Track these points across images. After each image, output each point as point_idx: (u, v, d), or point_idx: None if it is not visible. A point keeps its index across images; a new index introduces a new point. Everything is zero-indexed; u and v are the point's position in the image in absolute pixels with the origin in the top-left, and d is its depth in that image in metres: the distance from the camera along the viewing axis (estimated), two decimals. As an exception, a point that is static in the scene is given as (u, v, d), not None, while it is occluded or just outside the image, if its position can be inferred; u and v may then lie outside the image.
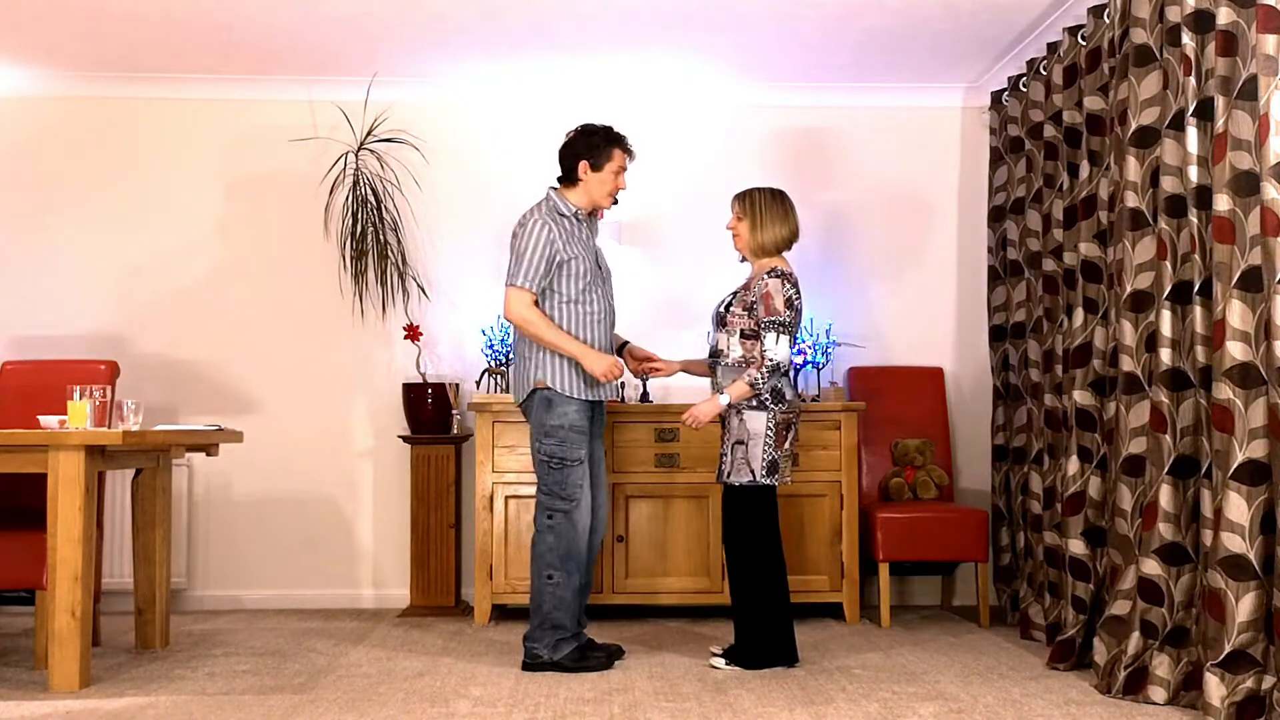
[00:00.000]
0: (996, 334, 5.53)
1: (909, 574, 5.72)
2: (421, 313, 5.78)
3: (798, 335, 4.28)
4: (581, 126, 4.37)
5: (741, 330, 4.30)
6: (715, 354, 4.38)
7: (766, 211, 4.34)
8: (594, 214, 4.44)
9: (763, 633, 4.27)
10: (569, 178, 4.35)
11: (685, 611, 5.43)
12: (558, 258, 4.24)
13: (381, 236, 5.66)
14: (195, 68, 5.66)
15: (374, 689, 3.98)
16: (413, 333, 5.56)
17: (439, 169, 5.81)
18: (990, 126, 5.70)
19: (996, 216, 5.55)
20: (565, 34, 5.18)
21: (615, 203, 4.43)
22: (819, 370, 5.58)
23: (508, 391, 5.51)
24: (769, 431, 4.23)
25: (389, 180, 5.77)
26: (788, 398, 4.29)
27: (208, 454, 4.74)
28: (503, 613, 5.45)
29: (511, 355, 4.39)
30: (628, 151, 4.37)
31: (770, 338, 4.20)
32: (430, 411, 5.48)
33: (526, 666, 4.28)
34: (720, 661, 4.32)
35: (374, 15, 4.96)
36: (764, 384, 4.21)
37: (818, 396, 5.54)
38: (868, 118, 5.93)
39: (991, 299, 5.57)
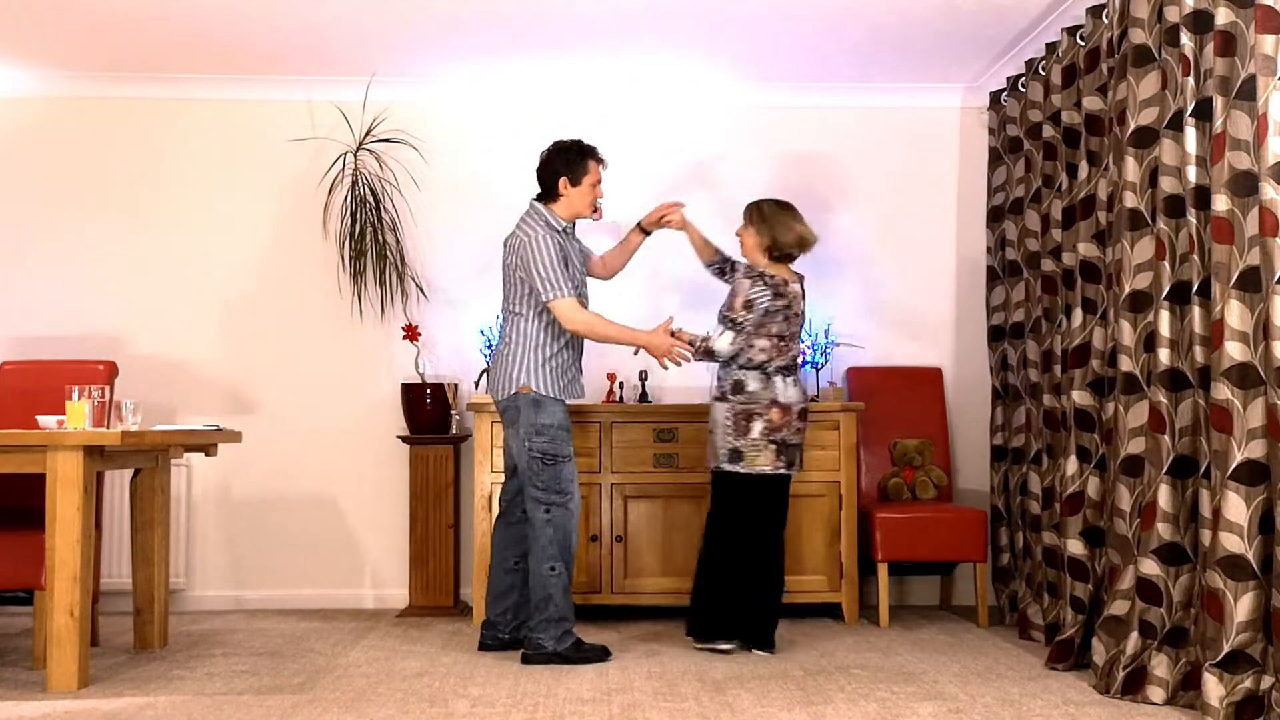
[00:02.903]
0: (995, 334, 5.53)
1: (908, 574, 5.72)
2: (420, 313, 5.78)
3: (787, 335, 4.54)
4: (554, 144, 4.55)
5: None
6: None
7: (770, 220, 4.55)
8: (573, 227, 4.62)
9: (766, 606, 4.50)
10: (550, 194, 4.51)
11: (684, 612, 5.42)
12: (567, 263, 4.43)
13: (380, 236, 5.66)
14: (194, 68, 5.66)
15: (373, 689, 3.98)
16: (411, 333, 5.56)
17: (438, 169, 5.81)
18: (989, 127, 5.70)
19: (995, 217, 5.55)
20: (564, 34, 5.18)
21: (595, 212, 4.59)
22: (818, 370, 5.58)
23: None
24: (727, 421, 4.48)
25: (388, 180, 5.77)
26: (749, 389, 4.48)
27: (206, 454, 4.74)
28: (501, 613, 5.45)
29: (496, 355, 4.54)
30: (601, 162, 4.55)
31: (717, 331, 4.50)
32: (429, 411, 5.48)
33: (528, 659, 4.36)
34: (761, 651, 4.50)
35: (373, 15, 4.96)
36: (697, 356, 4.49)
37: (817, 397, 5.54)
38: (867, 118, 5.93)
39: (990, 299, 5.57)
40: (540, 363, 4.42)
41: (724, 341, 4.46)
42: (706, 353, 4.48)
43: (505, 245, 4.52)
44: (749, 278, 4.47)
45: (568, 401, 4.49)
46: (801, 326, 4.62)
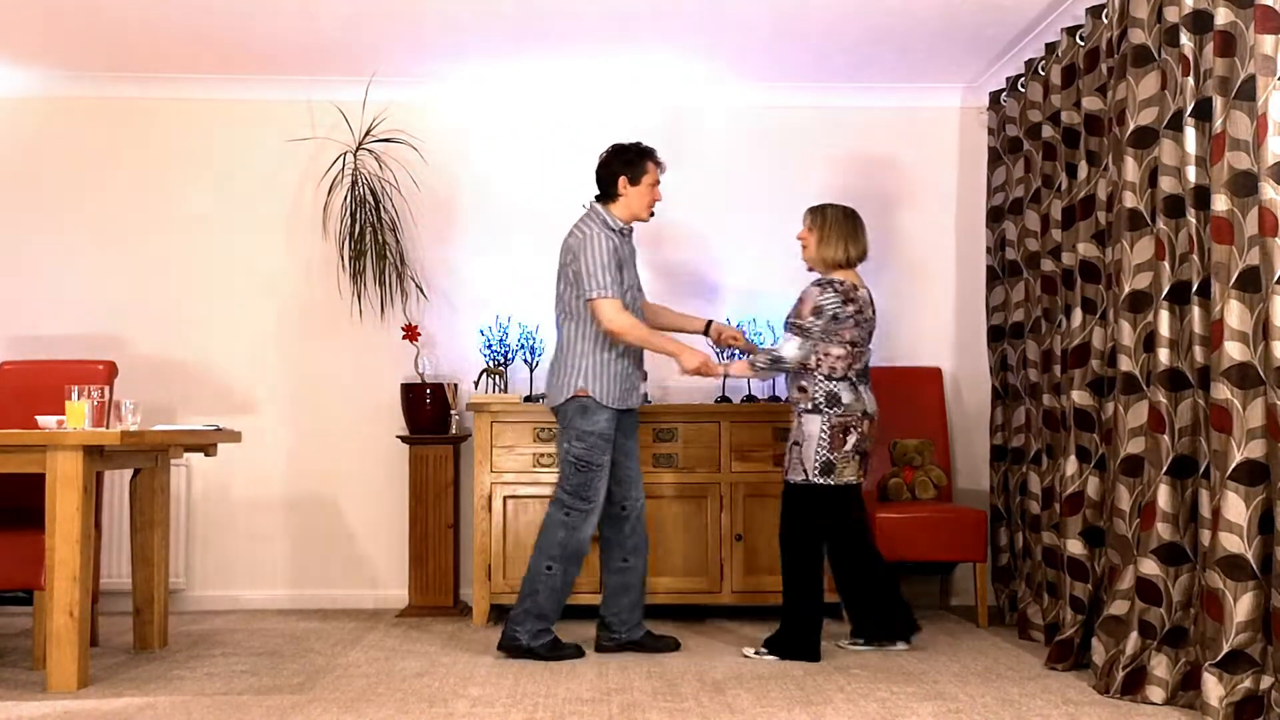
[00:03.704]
0: (995, 334, 5.53)
1: (907, 574, 5.72)
2: (420, 313, 5.79)
3: (860, 341, 4.52)
4: (614, 146, 4.61)
5: None
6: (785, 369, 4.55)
7: (835, 228, 4.55)
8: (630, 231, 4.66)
9: (797, 625, 4.45)
10: (608, 194, 4.56)
11: (683, 611, 5.43)
12: (620, 266, 4.47)
13: (380, 237, 5.66)
14: (194, 68, 5.66)
15: (372, 689, 3.98)
16: (411, 333, 5.56)
17: (437, 169, 5.81)
18: (989, 127, 5.70)
19: (995, 217, 5.55)
20: (564, 34, 5.18)
21: (652, 214, 4.64)
22: (817, 370, 5.58)
23: (507, 391, 5.53)
24: (823, 434, 4.39)
25: (387, 180, 5.77)
26: (844, 401, 4.43)
27: (206, 454, 4.73)
28: (501, 613, 5.44)
29: (552, 359, 4.58)
30: (658, 164, 4.61)
31: (785, 337, 4.46)
32: (429, 411, 5.48)
33: (502, 647, 4.46)
34: (749, 650, 4.52)
35: (373, 15, 4.96)
36: (762, 370, 4.49)
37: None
38: (866, 118, 5.92)
39: (990, 299, 5.57)
40: (599, 366, 4.45)
41: (791, 348, 4.41)
42: (774, 361, 4.43)
43: (562, 246, 4.56)
44: (817, 285, 4.45)
45: (623, 409, 4.50)
46: (872, 332, 4.58)
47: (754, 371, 4.52)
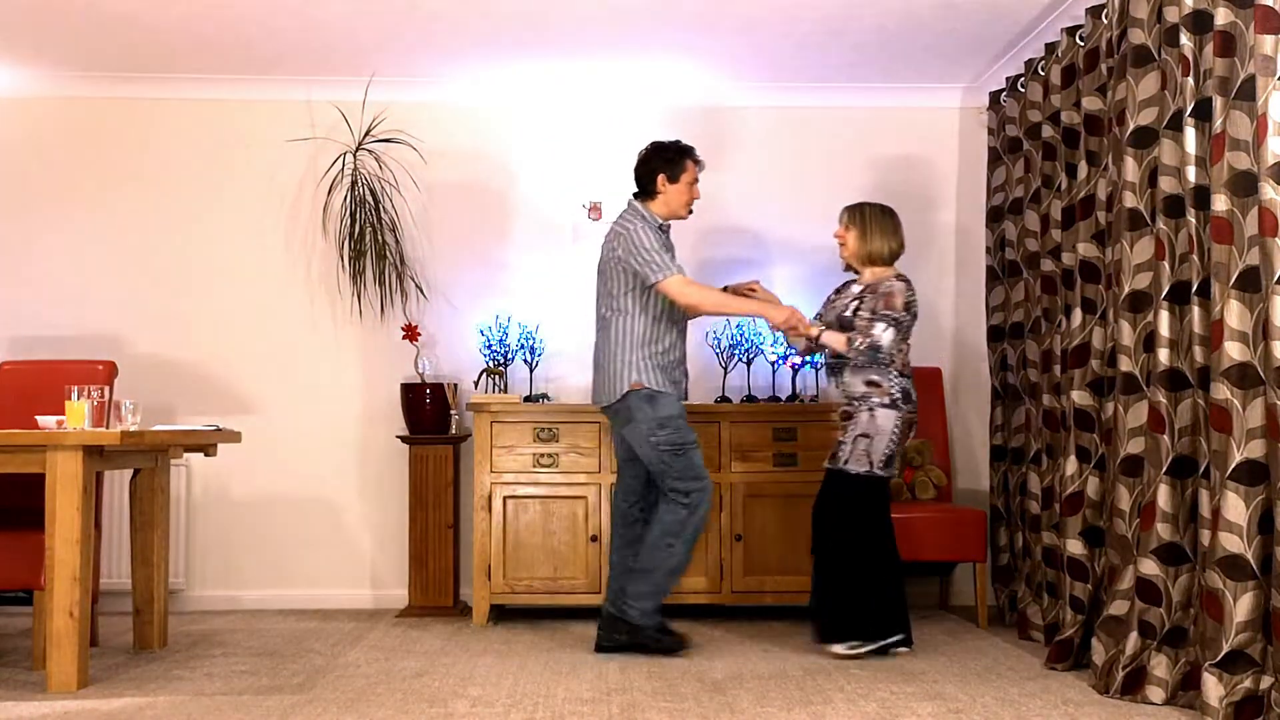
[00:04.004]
0: (995, 334, 5.53)
1: (907, 574, 5.70)
2: (420, 313, 5.79)
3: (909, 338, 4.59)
4: (653, 144, 4.64)
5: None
6: (841, 355, 4.53)
7: (876, 224, 4.58)
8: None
9: (882, 604, 4.47)
10: (647, 192, 4.59)
11: (684, 611, 5.42)
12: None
13: (380, 237, 5.66)
14: (193, 68, 5.66)
15: (372, 689, 3.98)
16: (411, 333, 5.56)
17: (437, 169, 5.81)
18: (988, 127, 5.70)
19: (995, 217, 5.55)
20: (563, 34, 5.18)
21: (690, 212, 4.67)
22: (818, 370, 5.58)
23: (507, 391, 5.53)
24: (895, 430, 4.43)
25: (387, 180, 5.77)
26: (913, 398, 4.51)
27: (206, 454, 4.73)
28: (501, 613, 5.45)
29: (596, 358, 4.60)
30: (697, 162, 4.63)
31: (880, 326, 4.44)
32: (428, 411, 5.48)
33: (606, 626, 4.50)
34: (840, 648, 4.46)
35: (372, 15, 4.96)
36: (856, 353, 4.44)
37: (816, 397, 5.55)
38: (866, 118, 5.92)
39: (990, 299, 5.57)
40: (649, 359, 4.49)
41: (889, 336, 4.43)
42: (872, 349, 4.43)
43: (604, 244, 4.58)
44: (901, 280, 4.50)
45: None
46: None
47: (848, 349, 4.47)
